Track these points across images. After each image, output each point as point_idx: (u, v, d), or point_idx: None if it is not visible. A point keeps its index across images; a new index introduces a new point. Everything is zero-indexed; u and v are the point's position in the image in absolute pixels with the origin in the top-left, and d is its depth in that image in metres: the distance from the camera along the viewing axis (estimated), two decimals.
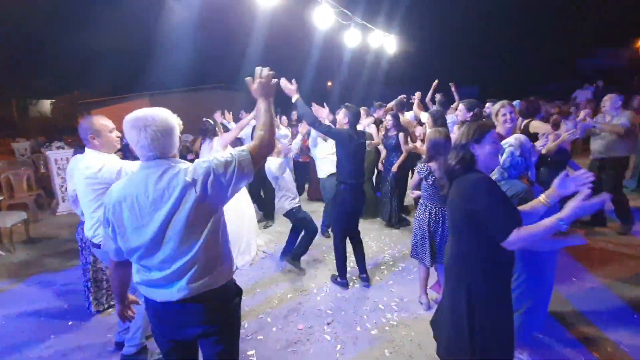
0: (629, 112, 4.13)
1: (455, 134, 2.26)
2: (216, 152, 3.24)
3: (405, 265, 3.77)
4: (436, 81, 5.41)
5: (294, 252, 3.77)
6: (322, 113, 3.78)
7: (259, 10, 4.25)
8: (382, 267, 3.78)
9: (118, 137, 2.29)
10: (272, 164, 3.52)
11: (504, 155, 2.12)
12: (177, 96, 13.85)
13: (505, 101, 2.86)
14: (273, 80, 1.60)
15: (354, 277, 3.57)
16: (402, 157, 4.60)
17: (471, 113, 3.46)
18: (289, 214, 3.71)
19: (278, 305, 3.17)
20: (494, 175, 2.17)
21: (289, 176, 3.76)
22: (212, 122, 4.12)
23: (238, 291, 1.60)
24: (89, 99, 17.07)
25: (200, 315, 1.44)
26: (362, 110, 4.84)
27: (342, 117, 3.26)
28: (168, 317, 1.46)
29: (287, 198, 3.66)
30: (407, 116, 5.34)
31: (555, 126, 3.92)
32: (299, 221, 3.75)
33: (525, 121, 3.82)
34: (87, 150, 2.23)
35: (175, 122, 1.44)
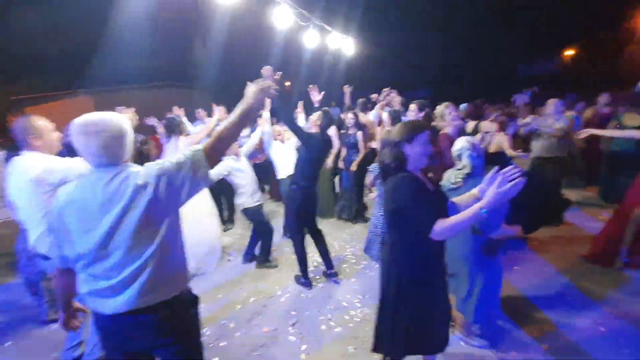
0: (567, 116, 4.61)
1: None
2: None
3: (368, 262, 3.87)
4: (348, 87, 5.51)
5: (259, 257, 3.76)
6: (316, 97, 3.65)
7: (216, 7, 4.14)
8: (344, 265, 3.86)
9: (59, 138, 2.12)
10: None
11: (464, 161, 2.25)
12: (126, 94, 13.03)
13: (447, 102, 3.09)
14: (272, 90, 1.52)
15: (317, 277, 3.60)
16: (360, 156, 4.72)
17: (422, 113, 3.65)
18: (246, 212, 3.71)
19: (241, 309, 3.12)
20: (451, 180, 2.30)
21: (247, 172, 3.69)
22: (177, 119, 3.94)
23: (195, 300, 1.51)
24: (22, 95, 15.44)
25: (154, 327, 1.36)
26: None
27: (315, 118, 3.25)
28: (118, 330, 1.37)
29: (243, 194, 3.63)
30: (369, 116, 5.48)
31: (502, 126, 4.25)
32: (255, 221, 3.75)
33: (475, 122, 4.12)
34: (25, 152, 2.03)
35: (129, 127, 1.36)
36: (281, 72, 1.56)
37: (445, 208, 1.72)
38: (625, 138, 4.20)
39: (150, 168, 1.33)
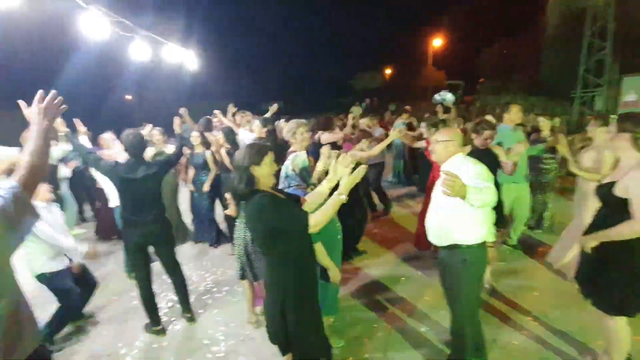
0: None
1: None
2: None
3: (230, 287, 3.68)
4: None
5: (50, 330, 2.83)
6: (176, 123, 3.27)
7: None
8: (204, 297, 3.55)
9: None
10: None
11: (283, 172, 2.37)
12: None
13: (302, 120, 3.18)
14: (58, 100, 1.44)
15: (173, 318, 3.20)
16: (211, 175, 4.49)
17: (266, 129, 3.72)
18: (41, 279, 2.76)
19: None
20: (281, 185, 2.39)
21: (53, 221, 2.75)
22: None
23: None
24: None
25: None
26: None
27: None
28: None
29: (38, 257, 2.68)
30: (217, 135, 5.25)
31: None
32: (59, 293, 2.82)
33: (319, 134, 4.44)
34: None
35: None
36: (55, 91, 1.42)
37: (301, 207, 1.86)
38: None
39: None
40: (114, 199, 3.78)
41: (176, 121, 3.28)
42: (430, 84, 24.90)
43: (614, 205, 1.98)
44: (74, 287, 2.87)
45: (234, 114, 5.30)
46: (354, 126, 4.62)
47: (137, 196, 2.80)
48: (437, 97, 9.93)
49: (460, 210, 2.01)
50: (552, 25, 16.37)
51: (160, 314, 3.06)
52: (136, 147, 2.78)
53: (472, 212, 2.00)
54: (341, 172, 1.84)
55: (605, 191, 2.03)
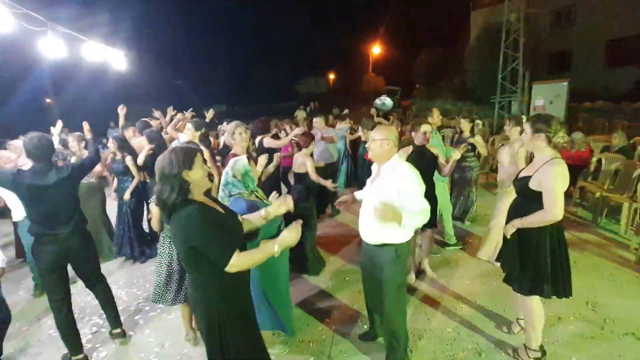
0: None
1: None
2: None
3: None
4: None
5: None
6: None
7: None
8: (136, 317, 3.24)
9: None
10: None
11: (223, 179, 2.23)
12: None
13: (238, 122, 3.08)
14: None
15: (98, 345, 2.86)
16: (133, 183, 4.14)
17: (199, 133, 3.54)
18: None
19: None
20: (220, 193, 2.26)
21: None
22: None
23: None
24: None
25: None
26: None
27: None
28: None
29: None
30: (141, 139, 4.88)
31: (306, 144, 4.54)
32: None
33: (260, 137, 4.34)
34: None
35: None
36: None
37: (240, 230, 1.72)
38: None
39: None
40: (17, 211, 3.32)
41: (85, 126, 3.08)
42: (371, 89, 25.98)
43: (529, 197, 2.19)
44: None
45: (172, 117, 4.99)
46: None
47: (50, 206, 2.44)
48: (377, 101, 10.33)
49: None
50: (474, 37, 18.12)
51: (82, 341, 2.72)
52: (43, 151, 2.43)
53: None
54: (281, 211, 1.81)
55: (521, 184, 2.24)
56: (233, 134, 2.92)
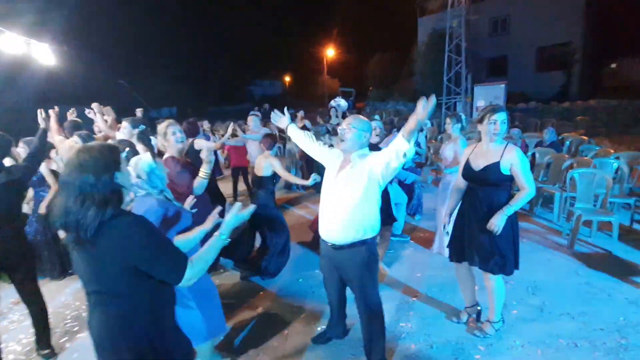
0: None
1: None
2: None
3: None
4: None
5: None
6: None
7: None
8: (62, 340, 2.85)
9: None
10: None
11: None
12: None
13: (171, 120, 2.82)
14: None
15: None
16: (50, 193, 3.61)
17: (137, 130, 3.23)
18: None
19: None
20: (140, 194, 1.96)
21: None
22: None
23: None
24: None
25: None
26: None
27: None
28: None
29: None
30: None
31: (268, 146, 4.28)
32: None
33: (190, 140, 4.10)
34: None
35: None
36: None
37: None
38: None
39: None
40: None
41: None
42: (326, 91, 26.24)
43: (498, 183, 2.33)
44: None
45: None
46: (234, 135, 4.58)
47: None
48: (332, 103, 10.40)
49: (366, 203, 2.02)
50: (422, 42, 19.03)
51: None
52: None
53: (376, 204, 2.06)
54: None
55: (489, 172, 2.32)
56: (165, 134, 2.66)
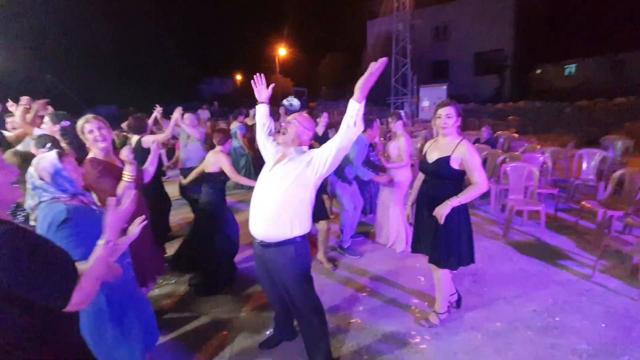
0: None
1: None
2: None
3: None
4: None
5: None
6: None
7: None
8: None
9: None
10: None
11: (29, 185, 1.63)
12: None
13: (90, 115, 2.46)
14: None
15: None
16: None
17: (57, 127, 2.85)
18: None
19: None
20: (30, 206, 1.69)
21: None
22: None
23: None
24: None
25: None
26: None
27: None
28: None
29: None
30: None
31: (222, 142, 3.99)
32: None
33: (137, 137, 3.79)
34: None
35: None
36: None
37: (73, 264, 1.15)
38: None
39: None
40: None
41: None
42: (279, 90, 25.95)
43: (447, 177, 2.36)
44: None
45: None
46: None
47: None
48: (285, 102, 10.26)
49: (296, 199, 1.91)
50: (369, 44, 19.59)
51: None
52: None
53: (308, 202, 1.94)
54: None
55: (439, 165, 2.36)
56: (82, 131, 2.30)
